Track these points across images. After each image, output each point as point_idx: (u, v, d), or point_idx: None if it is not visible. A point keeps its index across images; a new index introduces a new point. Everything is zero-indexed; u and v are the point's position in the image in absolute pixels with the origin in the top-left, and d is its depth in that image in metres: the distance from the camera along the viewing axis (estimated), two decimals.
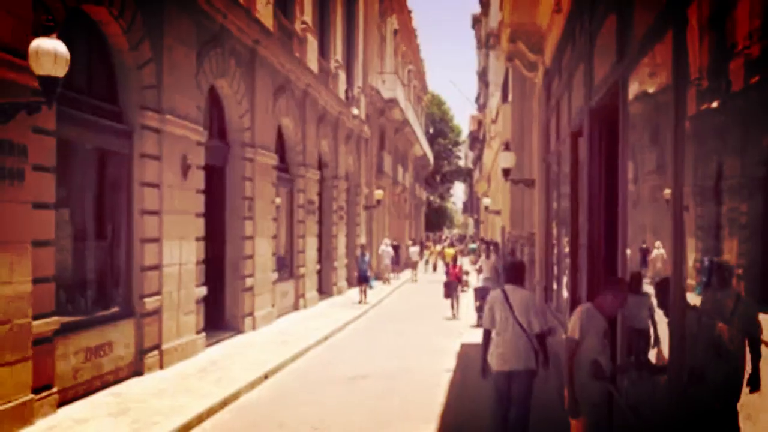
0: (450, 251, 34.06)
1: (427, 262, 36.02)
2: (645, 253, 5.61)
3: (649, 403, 4.87)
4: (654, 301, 5.07)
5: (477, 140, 54.57)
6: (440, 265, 34.92)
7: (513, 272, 6.53)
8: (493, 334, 6.21)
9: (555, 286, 11.77)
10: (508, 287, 6.32)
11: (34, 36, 6.19)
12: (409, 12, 36.46)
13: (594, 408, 4.83)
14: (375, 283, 22.87)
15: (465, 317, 16.37)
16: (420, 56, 45.78)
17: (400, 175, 34.55)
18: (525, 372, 6.08)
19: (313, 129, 17.88)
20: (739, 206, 3.62)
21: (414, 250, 31.83)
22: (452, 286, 16.91)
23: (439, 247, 38.22)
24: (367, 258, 20.20)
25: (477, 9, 43.62)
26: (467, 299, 18.63)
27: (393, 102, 28.35)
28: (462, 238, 57.08)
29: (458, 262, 18.15)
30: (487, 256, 17.38)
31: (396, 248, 29.60)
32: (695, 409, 3.84)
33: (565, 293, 10.30)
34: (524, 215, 19.27)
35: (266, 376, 9.72)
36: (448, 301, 17.06)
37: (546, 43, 11.62)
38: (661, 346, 5.02)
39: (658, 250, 5.35)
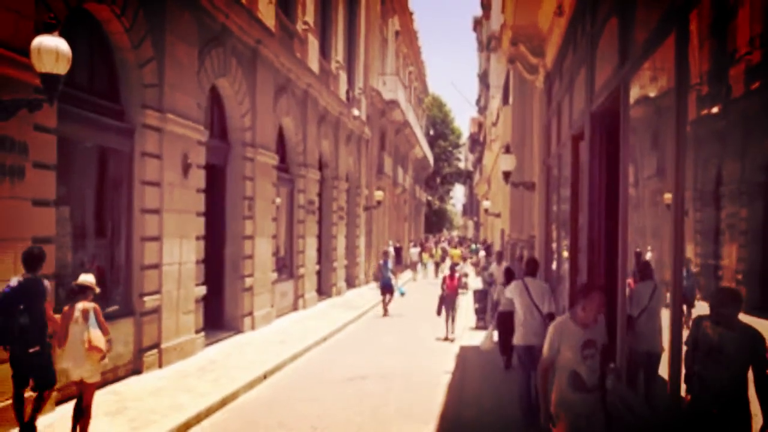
0: (456, 252, 33.74)
1: (425, 266, 32.80)
2: (639, 256, 5.65)
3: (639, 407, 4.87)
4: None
5: (477, 143, 54.60)
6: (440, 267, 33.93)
7: (530, 267, 8.16)
8: (516, 317, 7.68)
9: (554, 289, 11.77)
10: (527, 279, 7.84)
11: (36, 33, 6.19)
12: (411, 14, 36.49)
13: (576, 417, 4.70)
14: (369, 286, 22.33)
15: (462, 332, 14.44)
16: (421, 58, 45.82)
17: (400, 176, 34.55)
18: (541, 346, 6.95)
19: (313, 129, 17.89)
20: (738, 211, 3.62)
21: (414, 251, 31.88)
22: (449, 301, 14.07)
23: (439, 251, 35.01)
24: (390, 265, 18.16)
25: (478, 11, 43.75)
26: (466, 302, 18.39)
27: (394, 103, 28.37)
28: (462, 240, 57.03)
29: (458, 270, 15.35)
30: (499, 262, 15.37)
31: (398, 249, 29.85)
32: (690, 412, 3.85)
33: (565, 296, 10.29)
34: (524, 218, 19.27)
35: (265, 376, 9.72)
36: (442, 317, 14.15)
37: (547, 45, 11.63)
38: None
39: (650, 254, 5.41)
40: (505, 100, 25.50)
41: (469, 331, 14.45)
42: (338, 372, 10.27)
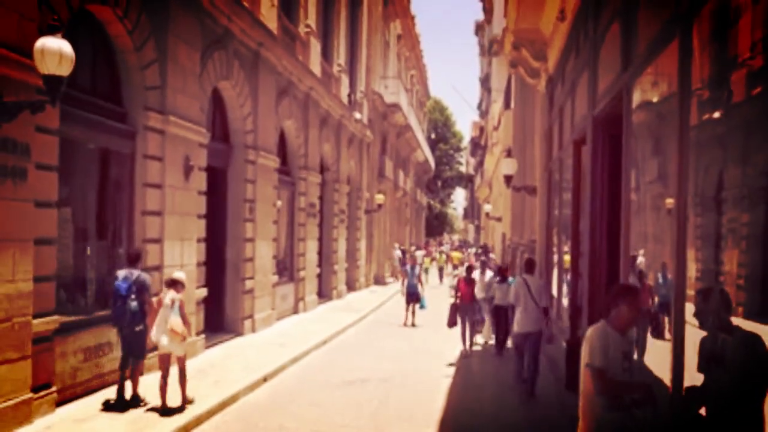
0: (456, 254, 33.51)
1: (427, 270, 30.69)
2: (634, 260, 5.68)
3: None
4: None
5: (478, 146, 54.63)
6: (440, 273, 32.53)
7: (528, 266, 9.50)
8: (517, 308, 8.96)
9: (555, 294, 11.77)
10: (526, 276, 9.18)
11: (39, 35, 6.20)
12: (413, 17, 36.52)
13: None
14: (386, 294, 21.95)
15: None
16: (423, 61, 45.85)
17: (401, 179, 34.55)
18: (536, 332, 8.90)
19: (315, 132, 17.90)
20: (740, 216, 3.62)
21: (419, 253, 31.90)
22: (466, 312, 12.11)
23: (443, 256, 33.73)
24: (417, 271, 16.39)
25: (480, 15, 43.78)
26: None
27: (395, 107, 28.38)
28: (462, 244, 56.89)
29: (458, 273, 14.09)
30: (483, 272, 13.66)
31: (404, 252, 30.22)
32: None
33: (565, 301, 10.29)
34: (525, 222, 19.27)
35: (265, 379, 9.71)
36: (456, 330, 12.37)
37: (549, 50, 11.64)
38: None
39: (641, 258, 5.44)
40: (506, 104, 25.53)
41: None
42: (338, 375, 10.25)
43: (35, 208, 6.89)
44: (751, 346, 3.32)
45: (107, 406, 7.53)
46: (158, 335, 7.54)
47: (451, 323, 12.23)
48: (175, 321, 7.47)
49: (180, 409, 7.54)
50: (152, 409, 7.55)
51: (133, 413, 7.44)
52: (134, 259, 7.98)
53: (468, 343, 12.19)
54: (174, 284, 7.71)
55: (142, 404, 7.69)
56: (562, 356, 9.05)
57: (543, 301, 8.95)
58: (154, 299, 7.81)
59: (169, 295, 7.60)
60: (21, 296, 6.65)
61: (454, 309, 12.24)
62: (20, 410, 6.60)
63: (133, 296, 7.55)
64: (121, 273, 7.77)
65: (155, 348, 7.91)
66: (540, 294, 8.95)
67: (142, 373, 8.03)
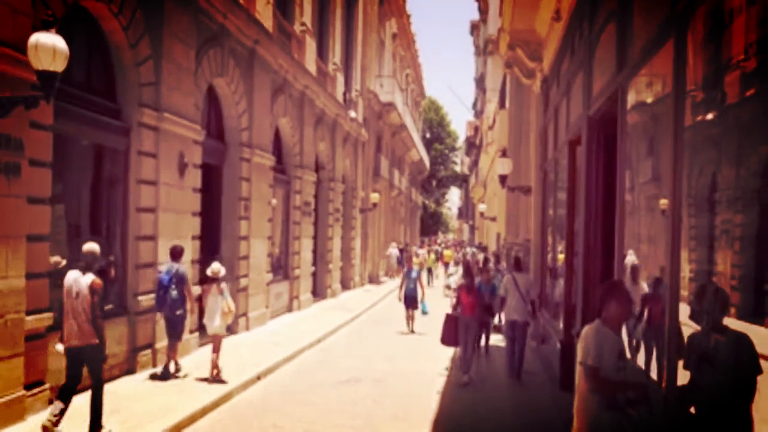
0: (448, 252, 33.37)
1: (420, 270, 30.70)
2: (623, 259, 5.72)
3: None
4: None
5: (473, 146, 54.67)
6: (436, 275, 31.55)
7: (517, 264, 10.85)
8: (507, 301, 10.10)
9: (549, 294, 11.81)
10: (515, 273, 10.34)
11: (33, 30, 6.18)
12: (408, 16, 36.50)
13: None
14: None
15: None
16: (418, 61, 45.83)
17: (396, 178, 34.55)
18: (523, 322, 9.94)
19: (310, 131, 17.89)
20: (733, 217, 3.64)
21: (421, 252, 31.95)
22: (468, 328, 9.73)
23: (432, 255, 32.37)
24: (414, 274, 15.15)
25: (476, 15, 43.78)
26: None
27: (390, 106, 28.37)
28: (458, 243, 56.70)
29: (451, 273, 13.26)
30: (470, 276, 11.45)
31: (401, 251, 30.18)
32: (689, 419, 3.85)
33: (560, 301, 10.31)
34: (520, 222, 19.31)
35: (259, 378, 9.70)
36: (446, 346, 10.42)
37: (545, 50, 11.67)
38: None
39: (630, 257, 5.47)
40: (501, 103, 25.56)
41: None
42: (332, 374, 10.25)
43: (28, 205, 6.87)
44: (741, 347, 3.35)
45: (153, 377, 9.00)
46: (209, 320, 9.02)
47: (447, 340, 10.04)
48: (230, 303, 9.08)
49: (216, 380, 8.94)
50: (199, 379, 9.03)
51: (131, 412, 7.41)
52: (177, 255, 9.16)
53: (470, 364, 9.79)
54: (215, 275, 9.12)
55: (180, 375, 9.15)
56: (556, 356, 9.07)
57: (529, 296, 10.06)
58: (199, 290, 9.39)
59: (215, 284, 9.07)
60: (13, 293, 6.62)
61: (452, 323, 9.92)
62: (13, 408, 6.58)
63: (173, 286, 8.93)
64: (164, 267, 9.14)
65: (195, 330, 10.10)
66: (527, 289, 10.06)
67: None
